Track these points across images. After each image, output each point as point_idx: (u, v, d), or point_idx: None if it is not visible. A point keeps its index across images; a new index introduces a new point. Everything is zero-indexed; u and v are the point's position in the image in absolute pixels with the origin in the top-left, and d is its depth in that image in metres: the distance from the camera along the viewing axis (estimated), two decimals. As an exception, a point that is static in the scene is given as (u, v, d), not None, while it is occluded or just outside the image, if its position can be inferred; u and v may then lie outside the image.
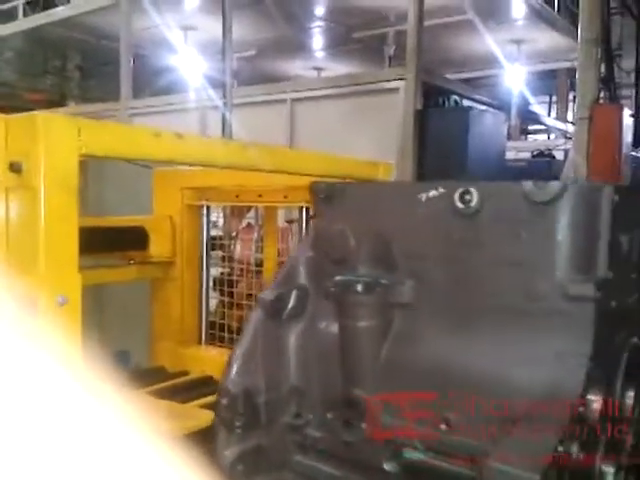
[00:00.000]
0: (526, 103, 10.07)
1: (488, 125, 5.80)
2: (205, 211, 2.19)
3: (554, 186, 0.84)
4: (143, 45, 9.21)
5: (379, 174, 1.78)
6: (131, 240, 2.11)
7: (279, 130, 6.62)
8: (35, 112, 1.02)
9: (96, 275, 2.15)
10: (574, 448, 0.73)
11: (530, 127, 12.84)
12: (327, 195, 1.06)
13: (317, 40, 9.78)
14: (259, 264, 2.66)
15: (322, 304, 0.97)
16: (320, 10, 8.68)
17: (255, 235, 4.14)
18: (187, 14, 8.34)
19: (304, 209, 1.98)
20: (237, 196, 2.14)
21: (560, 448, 0.72)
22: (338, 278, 0.96)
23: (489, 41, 8.39)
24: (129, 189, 2.39)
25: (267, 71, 10.52)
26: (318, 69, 10.64)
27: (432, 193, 0.94)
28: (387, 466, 0.86)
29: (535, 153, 9.53)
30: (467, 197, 0.90)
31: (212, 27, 7.82)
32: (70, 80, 12.64)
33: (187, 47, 8.89)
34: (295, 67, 10.67)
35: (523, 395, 0.78)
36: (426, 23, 6.09)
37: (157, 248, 2.09)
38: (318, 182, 1.08)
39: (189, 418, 1.60)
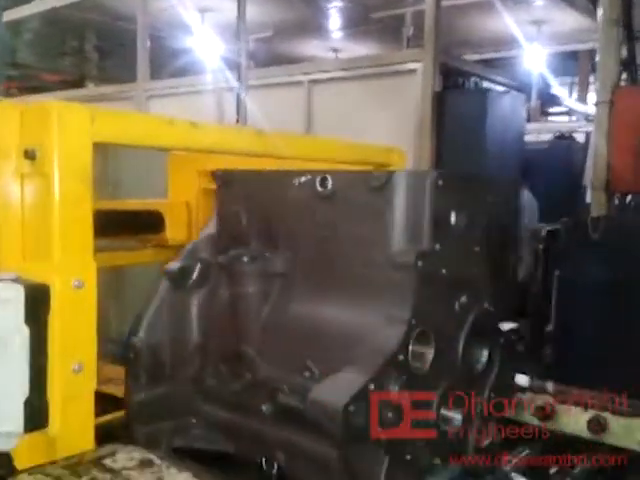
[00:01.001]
0: (547, 85, 9.93)
1: (507, 107, 5.74)
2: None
3: (383, 174, 1.00)
4: (160, 27, 9.21)
5: (393, 160, 1.78)
6: (147, 224, 2.12)
7: (296, 112, 6.60)
8: (49, 100, 1.03)
9: (112, 257, 2.17)
10: (392, 387, 0.91)
11: (551, 109, 12.67)
12: (224, 181, 1.23)
13: (334, 20, 9.70)
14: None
15: (219, 275, 1.13)
16: (338, -10, 8.61)
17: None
18: (204, -5, 8.31)
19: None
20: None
21: (371, 386, 0.87)
22: (230, 252, 1.12)
23: (508, 21, 8.26)
24: (146, 172, 2.41)
25: (284, 52, 10.46)
26: (335, 50, 10.56)
27: (302, 179, 1.09)
28: (264, 408, 1.02)
29: (556, 135, 9.41)
30: (325, 183, 1.06)
31: (229, 8, 7.79)
32: (88, 61, 12.68)
33: (204, 29, 8.87)
34: (312, 48, 10.60)
35: (363, 348, 0.93)
36: (444, 3, 6.01)
37: (173, 232, 2.11)
38: (217, 170, 1.24)
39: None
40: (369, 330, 0.95)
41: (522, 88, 7.02)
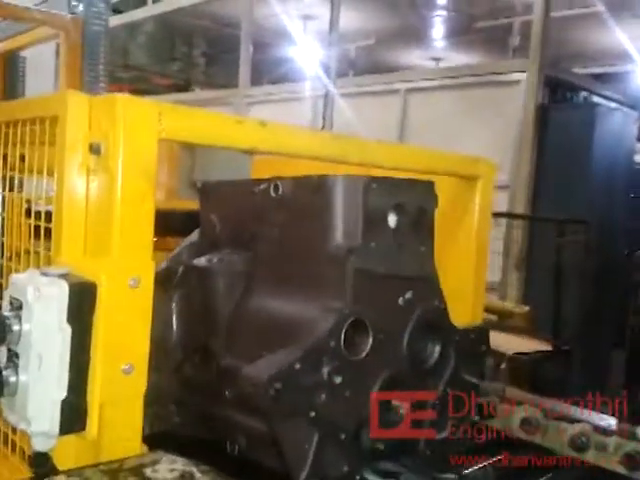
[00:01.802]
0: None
1: (617, 124, 5.40)
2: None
3: (321, 178, 1.10)
4: (264, 33, 9.38)
5: (479, 171, 1.66)
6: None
7: (391, 121, 6.53)
8: (116, 93, 1.02)
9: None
10: (322, 370, 1.00)
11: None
12: (204, 192, 1.31)
13: (438, 29, 9.53)
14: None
15: (195, 276, 1.22)
16: (443, -1, 8.45)
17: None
18: (307, 3, 8.39)
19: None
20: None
21: (297, 365, 0.97)
22: (204, 256, 1.23)
23: (620, 35, 7.80)
24: (236, 175, 2.39)
25: (384, 61, 10.39)
26: (437, 59, 10.38)
27: (261, 186, 1.19)
28: (227, 393, 1.11)
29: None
30: (277, 188, 1.16)
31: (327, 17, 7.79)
32: (195, 66, 13.15)
33: (305, 36, 8.96)
34: (413, 57, 10.47)
35: (301, 336, 1.02)
36: (554, 14, 5.75)
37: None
38: (202, 181, 1.33)
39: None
40: (310, 320, 1.04)
41: (634, 105, 6.59)
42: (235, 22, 8.98)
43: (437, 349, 1.18)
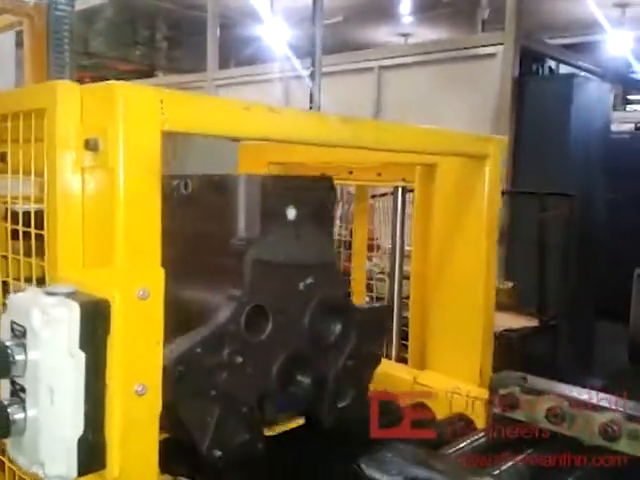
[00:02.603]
0: (630, 71, 9.35)
1: (594, 95, 5.37)
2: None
3: (224, 176, 1.21)
4: (228, 14, 9.15)
5: (489, 150, 1.58)
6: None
7: (365, 99, 6.41)
8: (113, 81, 0.90)
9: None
10: (224, 352, 1.11)
11: (632, 97, 11.97)
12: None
13: (404, 5, 9.40)
14: (344, 243, 2.52)
15: None
16: (410, -27, 8.32)
17: (339, 212, 3.97)
18: (273, -20, 8.19)
19: (400, 189, 1.80)
20: (323, 173, 1.98)
21: (198, 349, 1.07)
22: None
23: (591, 4, 7.78)
24: (214, 165, 2.28)
25: (352, 38, 10.24)
26: (405, 35, 10.27)
27: (174, 183, 1.23)
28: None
29: (638, 126, 8.86)
30: (187, 185, 1.23)
31: (297, -6, 7.64)
32: (158, 51, 12.82)
33: (272, 15, 8.75)
34: (381, 34, 10.34)
35: (206, 323, 1.12)
36: (525, -17, 5.67)
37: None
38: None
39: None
40: (214, 308, 1.14)
41: (605, 74, 6.58)
42: (198, 3, 8.73)
43: (338, 327, 1.30)
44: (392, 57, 6.39)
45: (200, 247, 1.23)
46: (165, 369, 0.96)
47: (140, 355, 0.91)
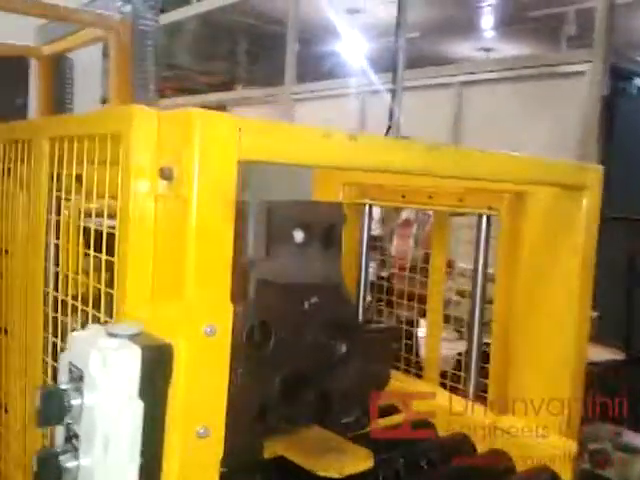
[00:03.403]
0: None
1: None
2: (367, 210, 1.98)
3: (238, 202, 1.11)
4: (309, 29, 9.21)
5: (586, 180, 1.46)
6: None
7: (444, 115, 6.29)
8: (191, 108, 0.86)
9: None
10: None
11: None
12: None
13: (487, 19, 9.19)
14: (417, 262, 2.41)
15: None
16: (493, -12, 8.13)
17: (413, 231, 3.86)
18: (353, -4, 8.19)
19: (484, 218, 1.69)
20: (403, 196, 1.90)
21: None
22: None
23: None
24: (289, 190, 2.23)
25: (431, 54, 10.09)
26: (487, 50, 10.03)
27: None
28: None
29: None
30: None
31: (377, 9, 7.61)
32: (238, 64, 13.07)
33: (351, 30, 8.74)
34: (462, 48, 10.15)
35: None
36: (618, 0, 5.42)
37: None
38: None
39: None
40: None
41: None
42: (279, 18, 8.83)
43: (343, 346, 1.33)
44: (474, 72, 6.23)
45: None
46: None
47: (204, 396, 0.86)
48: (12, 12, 3.71)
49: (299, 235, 1.27)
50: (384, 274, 2.44)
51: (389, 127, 3.95)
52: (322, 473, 1.19)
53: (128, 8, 3.57)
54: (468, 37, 9.68)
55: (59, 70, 4.48)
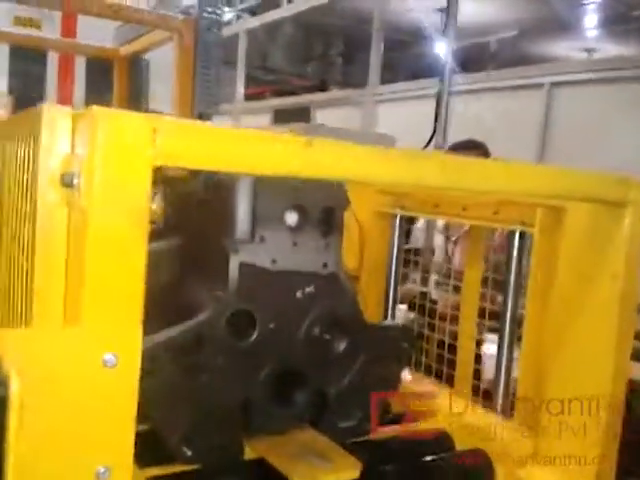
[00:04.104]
0: None
1: None
2: (398, 221, 1.82)
3: (224, 178, 1.17)
4: (399, 29, 9.02)
5: (628, 195, 1.24)
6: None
7: (531, 117, 5.93)
8: (94, 106, 0.75)
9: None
10: (203, 351, 1.08)
11: None
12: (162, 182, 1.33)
13: (590, 18, 8.63)
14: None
15: None
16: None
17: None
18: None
19: (517, 233, 1.49)
20: (436, 206, 1.73)
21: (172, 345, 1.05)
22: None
23: None
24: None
25: (529, 53, 9.61)
26: (589, 50, 9.43)
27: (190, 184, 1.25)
28: None
29: None
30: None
31: (464, 8, 7.28)
32: (332, 65, 13.05)
33: (442, 29, 8.46)
34: (562, 48, 9.60)
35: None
36: None
37: (344, 259, 1.77)
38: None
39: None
40: (199, 306, 1.09)
41: None
42: (370, 19, 8.70)
43: (342, 343, 1.21)
44: (567, 73, 5.83)
45: (203, 245, 1.21)
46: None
47: (102, 432, 0.75)
48: (83, 14, 3.82)
49: (292, 217, 1.17)
50: (426, 290, 2.25)
51: (433, 132, 3.72)
52: (295, 479, 1.05)
53: (193, 9, 3.57)
54: (569, 36, 9.13)
55: (135, 70, 4.58)
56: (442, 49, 7.98)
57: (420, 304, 2.11)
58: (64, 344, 0.73)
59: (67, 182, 0.77)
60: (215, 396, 1.08)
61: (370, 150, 0.89)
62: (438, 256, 2.84)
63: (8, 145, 0.99)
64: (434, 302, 2.20)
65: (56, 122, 0.80)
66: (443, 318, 2.04)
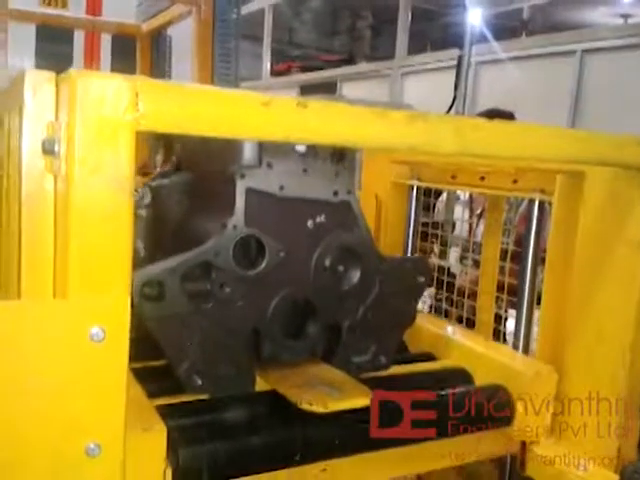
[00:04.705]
0: None
1: None
2: (415, 192, 1.77)
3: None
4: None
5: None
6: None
7: (563, 86, 5.75)
8: (73, 69, 0.72)
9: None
10: (205, 278, 1.06)
11: None
12: None
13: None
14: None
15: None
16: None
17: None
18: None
19: (536, 202, 1.43)
20: (453, 177, 1.66)
21: (180, 271, 1.02)
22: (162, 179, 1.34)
23: None
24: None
25: (562, 20, 9.30)
26: (625, 16, 9.09)
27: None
28: None
29: None
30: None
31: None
32: (360, 39, 12.84)
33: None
34: (597, 14, 9.26)
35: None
36: None
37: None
38: None
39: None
40: (206, 234, 1.07)
41: None
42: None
43: (356, 274, 1.18)
44: (598, 39, 5.63)
45: (213, 174, 1.18)
46: (143, 286, 0.96)
47: (93, 406, 0.73)
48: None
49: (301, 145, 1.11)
50: (445, 264, 2.18)
51: (453, 100, 3.61)
52: (304, 406, 1.01)
53: (211, -18, 3.51)
54: (604, 2, 8.80)
55: (158, 47, 4.55)
56: (470, 17, 7.78)
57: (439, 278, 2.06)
58: (51, 318, 0.72)
59: (48, 149, 0.74)
60: (224, 325, 1.07)
61: (369, 112, 0.85)
62: (459, 229, 2.76)
63: (6, 116, 0.97)
64: (453, 276, 2.14)
65: (39, 87, 0.77)
66: (462, 293, 1.99)
